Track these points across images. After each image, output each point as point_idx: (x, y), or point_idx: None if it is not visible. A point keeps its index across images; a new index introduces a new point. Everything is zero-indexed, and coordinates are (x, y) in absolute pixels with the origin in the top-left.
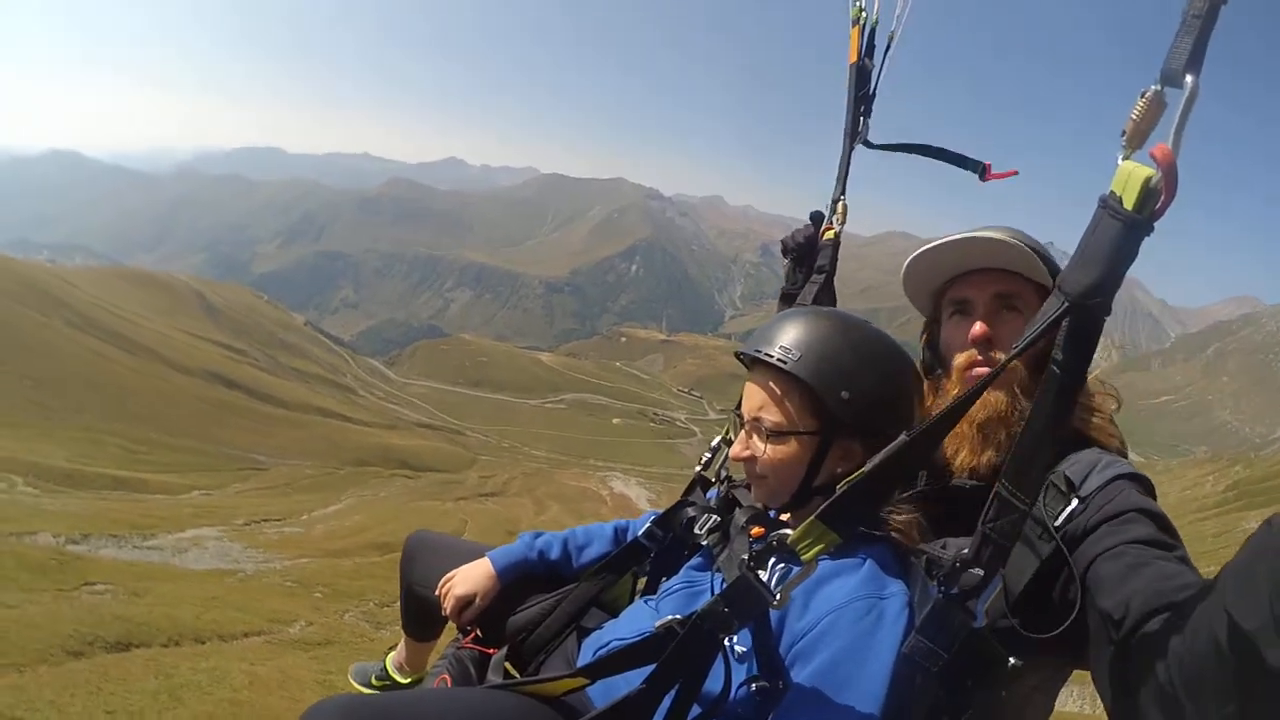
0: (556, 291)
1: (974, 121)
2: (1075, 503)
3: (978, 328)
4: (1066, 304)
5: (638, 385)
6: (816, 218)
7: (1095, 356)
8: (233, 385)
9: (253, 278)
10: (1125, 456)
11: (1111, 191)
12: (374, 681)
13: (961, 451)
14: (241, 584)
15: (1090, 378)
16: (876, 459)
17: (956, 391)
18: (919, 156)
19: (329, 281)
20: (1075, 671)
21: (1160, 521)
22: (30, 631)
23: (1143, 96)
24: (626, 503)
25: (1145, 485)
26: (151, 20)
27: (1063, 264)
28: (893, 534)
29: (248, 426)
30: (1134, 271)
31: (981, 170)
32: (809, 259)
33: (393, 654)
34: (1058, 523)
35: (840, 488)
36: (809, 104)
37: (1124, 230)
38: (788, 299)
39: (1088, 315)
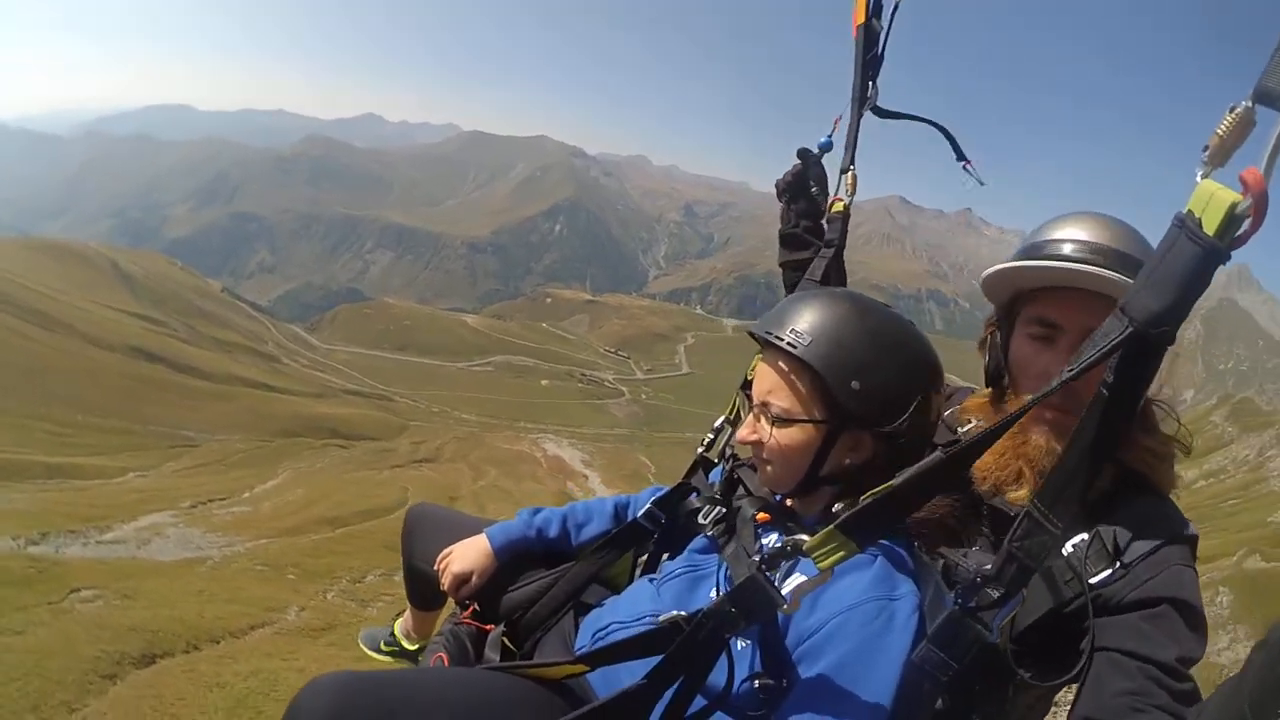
0: (479, 252)
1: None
2: (1117, 567)
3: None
4: (1130, 330)
5: (564, 346)
6: (803, 153)
7: None
8: (154, 359)
9: (165, 243)
10: (1186, 540)
11: (1189, 211)
12: (383, 647)
13: (1023, 489)
14: (215, 571)
15: (1165, 407)
16: (907, 474)
17: (1014, 428)
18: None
19: (244, 245)
20: None
21: (1190, 619)
22: (55, 660)
23: (1231, 112)
24: (561, 464)
25: (1192, 548)
26: None
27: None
28: (913, 531)
29: (173, 401)
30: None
31: (961, 158)
32: (801, 197)
33: (400, 620)
34: (1093, 580)
35: (865, 499)
36: (733, 65)
37: (1202, 257)
38: (785, 240)
39: (1149, 343)
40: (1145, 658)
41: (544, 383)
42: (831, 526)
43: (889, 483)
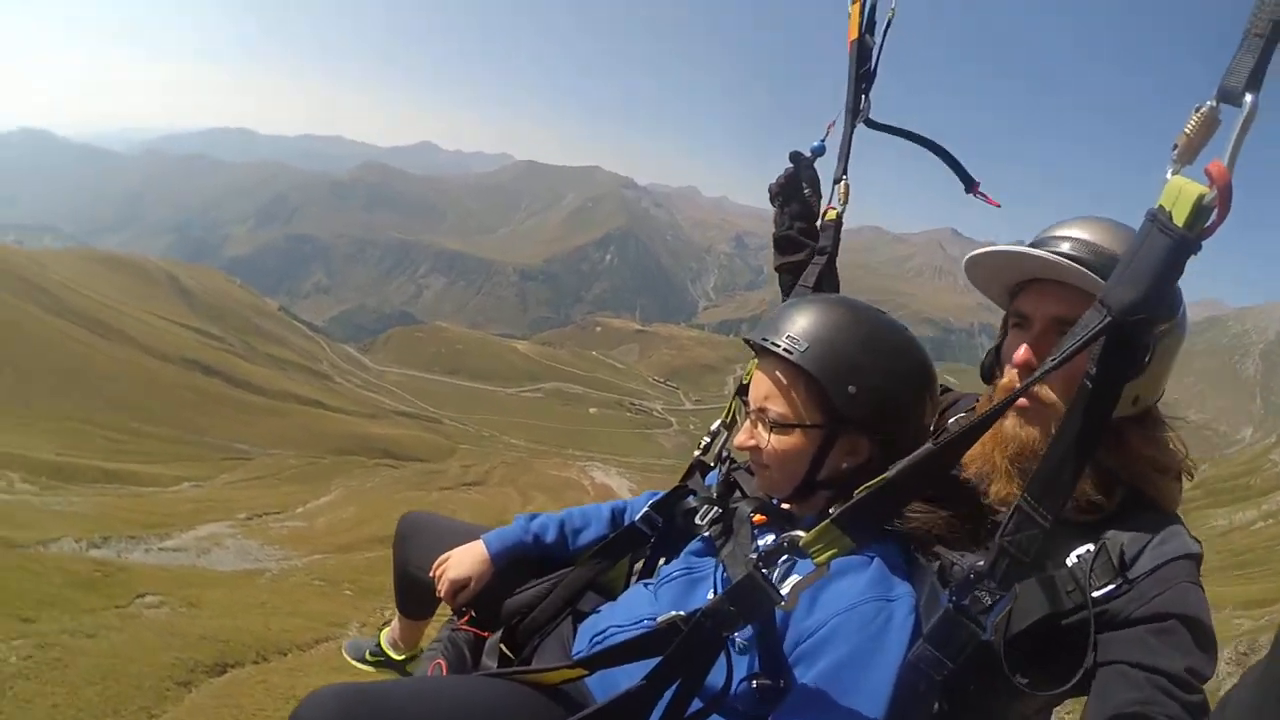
0: (531, 280)
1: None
2: (1121, 583)
3: (1022, 353)
4: (1108, 320)
5: (613, 375)
6: (795, 156)
7: None
8: (211, 372)
9: (223, 261)
10: (1192, 555)
11: (1161, 206)
12: (368, 657)
13: (996, 482)
14: (275, 584)
15: (1173, 430)
16: (898, 467)
17: (983, 408)
18: (915, 148)
19: (300, 266)
20: None
21: (1199, 635)
22: (132, 666)
23: (1197, 112)
24: (609, 493)
25: (1198, 564)
26: None
27: None
28: (906, 531)
29: (228, 415)
30: None
31: (970, 185)
32: (794, 199)
33: (387, 630)
34: (1095, 594)
35: (859, 493)
36: (786, 95)
37: (1173, 247)
38: (779, 243)
39: (1129, 333)
40: (1153, 669)
41: (592, 411)
42: (827, 521)
43: (882, 475)
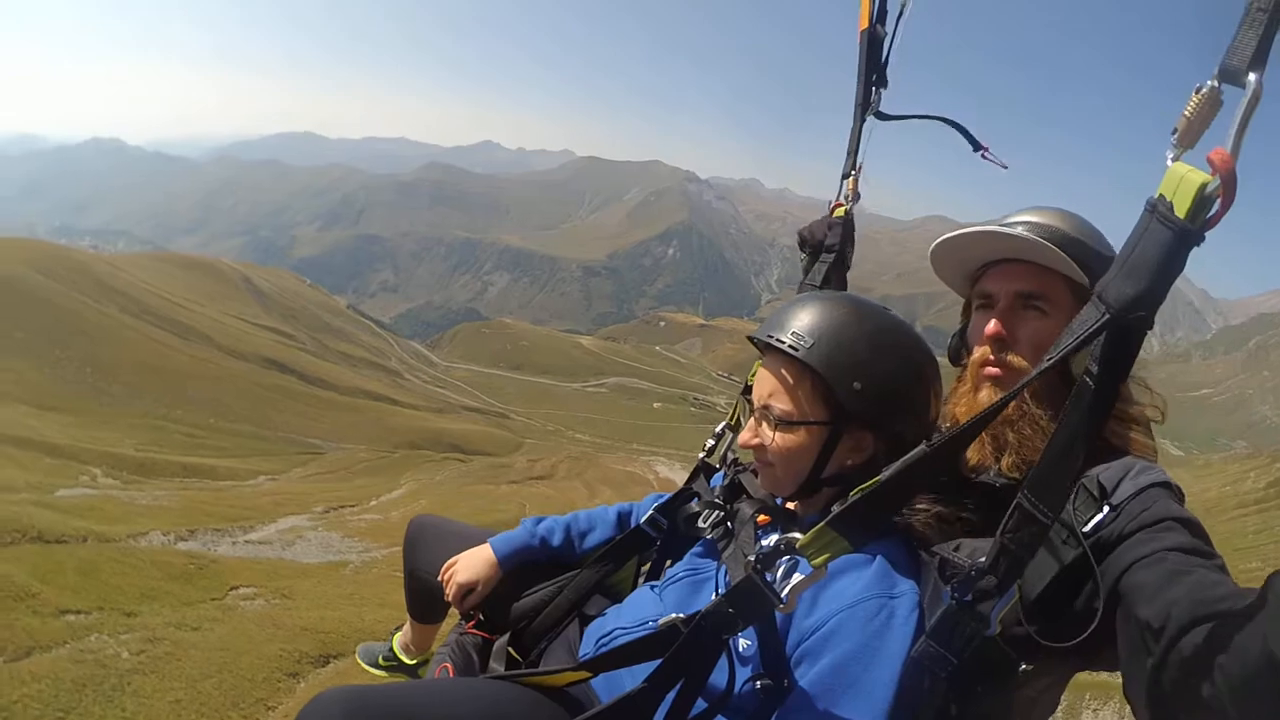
0: (594, 275)
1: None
2: (1106, 510)
3: (991, 326)
4: (1108, 316)
5: (677, 369)
6: (836, 213)
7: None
8: (285, 369)
9: (293, 262)
10: (1169, 484)
11: (1161, 196)
12: (381, 662)
13: (971, 453)
14: (358, 576)
15: (1137, 379)
16: (894, 468)
17: (966, 388)
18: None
19: (367, 265)
20: (1090, 678)
21: (1196, 530)
22: (245, 658)
23: (1197, 93)
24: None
25: (1178, 495)
26: (192, 6)
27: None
28: (906, 528)
29: (301, 411)
30: None
31: (977, 147)
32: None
33: (399, 635)
34: (1085, 529)
35: (854, 495)
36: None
37: (1175, 240)
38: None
39: (1128, 329)
40: (1167, 547)
41: (656, 405)
42: (823, 523)
43: (876, 478)
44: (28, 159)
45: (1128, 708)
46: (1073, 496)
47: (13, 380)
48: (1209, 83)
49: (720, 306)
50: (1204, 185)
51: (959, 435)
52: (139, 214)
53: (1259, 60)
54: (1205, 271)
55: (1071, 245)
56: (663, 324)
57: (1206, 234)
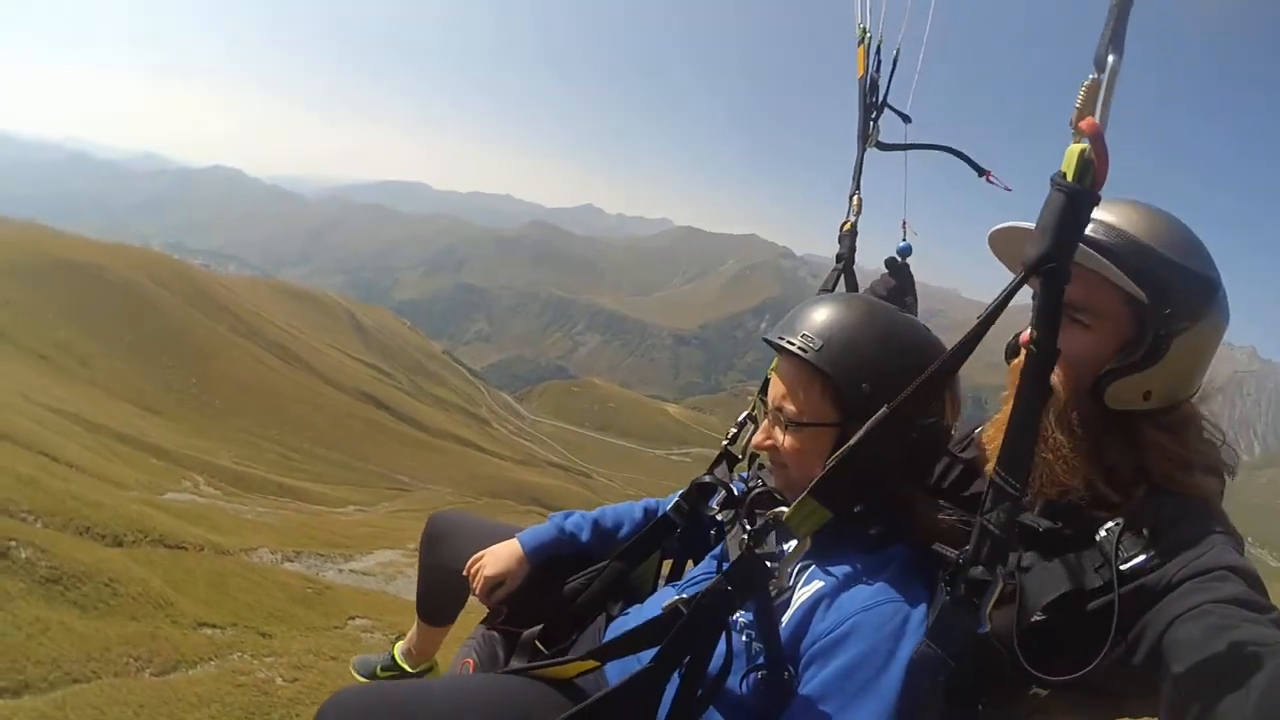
0: (684, 344)
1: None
2: (1153, 554)
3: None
4: (1022, 275)
5: None
6: (890, 264)
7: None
8: (380, 405)
9: (393, 303)
10: (1231, 532)
11: (1061, 171)
12: (379, 672)
13: (1044, 485)
14: (462, 618)
15: (1213, 432)
16: (860, 432)
17: (1007, 394)
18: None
19: (464, 313)
20: None
21: (1253, 580)
22: None
23: (1083, 86)
24: None
25: (1239, 544)
26: (319, 51)
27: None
28: (920, 531)
29: (393, 447)
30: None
31: (981, 173)
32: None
33: (400, 643)
34: (1124, 566)
35: (829, 463)
36: (943, 176)
37: (1067, 200)
38: None
39: (1046, 284)
40: (1213, 600)
41: None
42: (804, 494)
43: (847, 444)
44: (152, 177)
45: None
46: (1122, 529)
47: (118, 380)
48: (1090, 75)
49: None
50: (1082, 151)
51: (913, 394)
52: (250, 241)
53: (1115, 45)
54: None
55: (1133, 252)
56: (750, 398)
57: (1099, 194)
